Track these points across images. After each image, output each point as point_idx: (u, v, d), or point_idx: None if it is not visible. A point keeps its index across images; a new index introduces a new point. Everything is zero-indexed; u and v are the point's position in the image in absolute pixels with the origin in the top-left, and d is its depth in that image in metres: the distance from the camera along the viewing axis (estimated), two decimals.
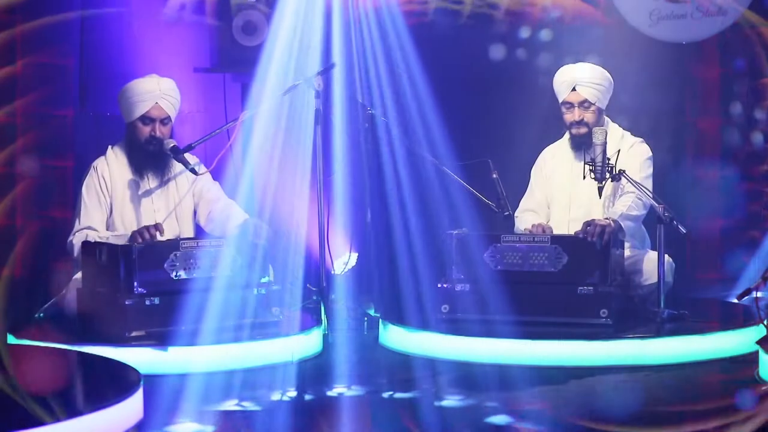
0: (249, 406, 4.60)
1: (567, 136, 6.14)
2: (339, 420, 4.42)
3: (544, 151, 6.30)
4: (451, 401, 4.68)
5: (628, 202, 5.82)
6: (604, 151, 5.72)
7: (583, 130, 5.97)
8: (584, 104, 5.97)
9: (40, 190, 6.59)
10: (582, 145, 5.94)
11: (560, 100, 6.04)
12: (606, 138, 5.73)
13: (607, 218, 5.73)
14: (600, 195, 5.79)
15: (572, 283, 5.59)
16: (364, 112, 6.38)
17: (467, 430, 4.27)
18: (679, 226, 5.57)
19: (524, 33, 7.43)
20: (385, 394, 4.81)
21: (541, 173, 6.24)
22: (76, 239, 5.73)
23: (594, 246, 5.58)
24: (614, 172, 5.72)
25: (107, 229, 5.83)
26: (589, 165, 5.73)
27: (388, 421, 4.38)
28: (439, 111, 6.91)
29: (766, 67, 7.16)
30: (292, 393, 4.82)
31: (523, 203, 6.25)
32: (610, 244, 5.58)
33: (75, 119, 6.84)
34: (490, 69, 7.44)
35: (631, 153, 5.99)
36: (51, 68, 6.61)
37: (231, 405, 4.60)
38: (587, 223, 5.64)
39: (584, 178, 5.76)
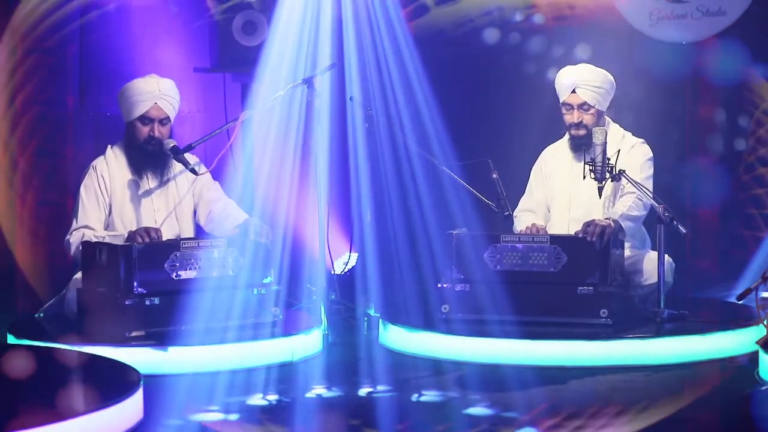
0: (249, 405, 4.61)
1: (567, 136, 6.14)
2: (336, 420, 4.42)
3: (544, 150, 6.29)
4: (446, 399, 4.69)
5: (628, 203, 5.82)
6: (604, 151, 5.72)
7: (582, 131, 5.97)
8: (583, 107, 5.97)
9: (39, 178, 6.60)
10: (581, 146, 5.94)
11: (561, 101, 6.05)
12: (606, 138, 5.73)
13: (607, 218, 5.73)
14: (600, 195, 5.80)
15: (572, 283, 5.59)
16: (365, 112, 6.38)
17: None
18: (679, 227, 5.57)
19: (526, 32, 7.42)
20: (388, 394, 4.82)
21: (541, 173, 6.24)
22: (73, 238, 5.73)
23: (594, 246, 5.58)
24: (614, 172, 5.73)
25: (105, 229, 5.83)
26: (589, 165, 5.73)
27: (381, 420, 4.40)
28: (439, 111, 6.91)
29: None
30: (291, 393, 4.83)
31: (522, 203, 6.25)
32: (610, 245, 5.58)
33: (75, 113, 6.85)
34: (491, 69, 7.44)
35: (632, 153, 5.99)
36: (51, 58, 6.63)
37: (228, 405, 4.60)
38: (587, 224, 5.64)
39: (584, 178, 5.77)
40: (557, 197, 6.15)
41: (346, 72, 6.84)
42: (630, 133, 6.11)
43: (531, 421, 4.31)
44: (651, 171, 6.00)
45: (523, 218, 6.15)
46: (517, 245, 5.70)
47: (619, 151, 5.81)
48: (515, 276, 5.66)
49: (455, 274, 5.74)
